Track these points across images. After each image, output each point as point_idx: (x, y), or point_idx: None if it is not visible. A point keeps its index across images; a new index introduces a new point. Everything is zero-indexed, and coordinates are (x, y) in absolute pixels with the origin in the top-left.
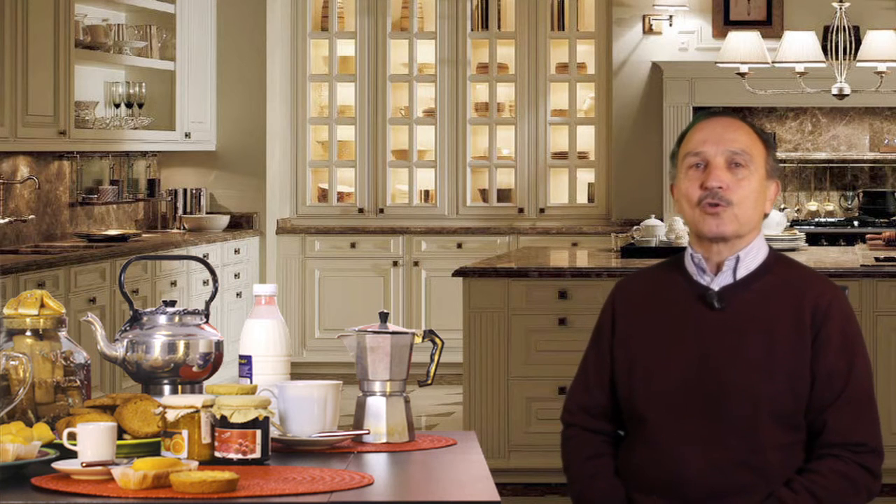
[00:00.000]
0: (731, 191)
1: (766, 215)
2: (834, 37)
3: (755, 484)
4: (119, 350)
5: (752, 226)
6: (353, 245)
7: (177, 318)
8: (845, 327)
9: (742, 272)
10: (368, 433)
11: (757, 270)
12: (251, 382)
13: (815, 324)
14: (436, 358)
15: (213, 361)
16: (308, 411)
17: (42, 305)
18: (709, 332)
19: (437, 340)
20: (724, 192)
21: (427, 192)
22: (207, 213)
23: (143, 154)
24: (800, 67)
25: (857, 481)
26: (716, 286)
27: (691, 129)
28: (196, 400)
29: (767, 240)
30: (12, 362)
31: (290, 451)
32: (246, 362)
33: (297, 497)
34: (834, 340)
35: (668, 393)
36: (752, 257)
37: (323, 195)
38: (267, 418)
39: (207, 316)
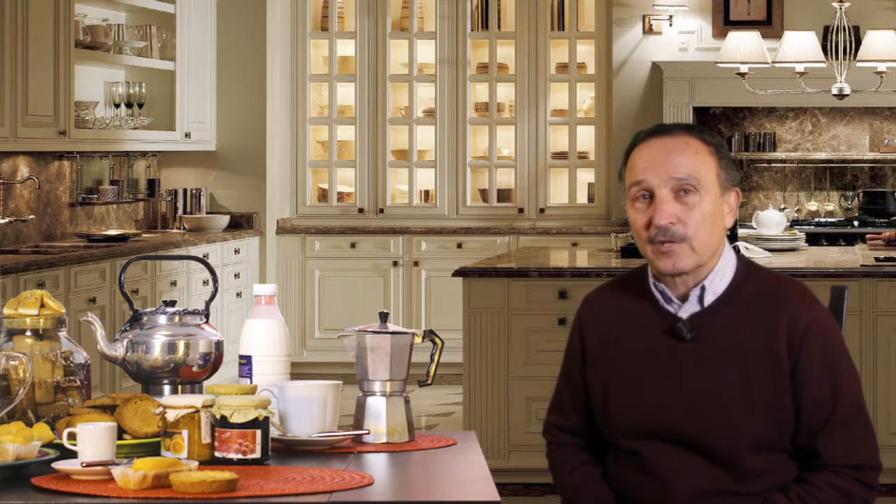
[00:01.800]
0: (682, 224)
1: (729, 229)
2: (834, 37)
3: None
4: (119, 350)
5: (713, 250)
6: (353, 245)
7: (177, 318)
8: (825, 348)
9: (710, 298)
10: (368, 433)
11: (725, 294)
12: (251, 382)
13: (792, 354)
14: (436, 358)
15: (213, 361)
16: (308, 411)
17: (42, 305)
18: (682, 365)
19: (437, 340)
20: (675, 228)
21: (427, 192)
22: (207, 213)
23: (143, 154)
24: (800, 67)
25: (852, 494)
26: (684, 314)
27: (633, 152)
28: (196, 400)
29: (767, 240)
30: (12, 362)
31: (290, 451)
32: (246, 362)
33: (297, 497)
34: (815, 366)
35: (646, 428)
36: (718, 281)
37: (323, 195)
38: (267, 418)
39: (207, 316)
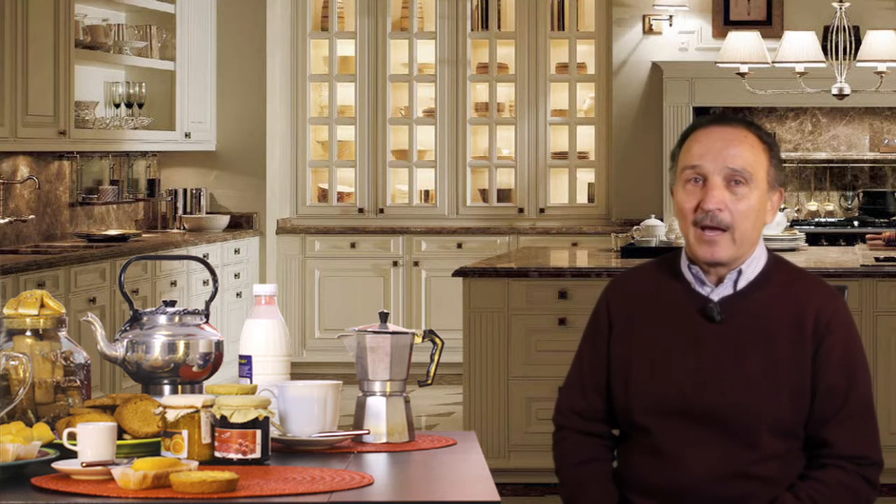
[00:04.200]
0: (729, 212)
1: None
2: (834, 37)
3: (757, 492)
4: (119, 350)
5: (751, 244)
6: (353, 245)
7: (177, 318)
8: (847, 340)
9: (742, 283)
10: (368, 433)
11: (756, 280)
12: (251, 382)
13: (816, 337)
14: (436, 358)
15: (213, 361)
16: (308, 411)
17: (42, 305)
18: (709, 344)
19: (437, 340)
20: (721, 215)
21: (427, 192)
22: (207, 213)
23: (143, 154)
24: (800, 67)
25: (858, 492)
26: (716, 297)
27: (691, 137)
28: (196, 400)
29: (767, 240)
30: (12, 362)
31: (290, 451)
32: (246, 362)
33: (297, 497)
34: (835, 354)
35: (666, 404)
36: (752, 268)
37: (323, 195)
38: (267, 418)
39: (207, 316)
